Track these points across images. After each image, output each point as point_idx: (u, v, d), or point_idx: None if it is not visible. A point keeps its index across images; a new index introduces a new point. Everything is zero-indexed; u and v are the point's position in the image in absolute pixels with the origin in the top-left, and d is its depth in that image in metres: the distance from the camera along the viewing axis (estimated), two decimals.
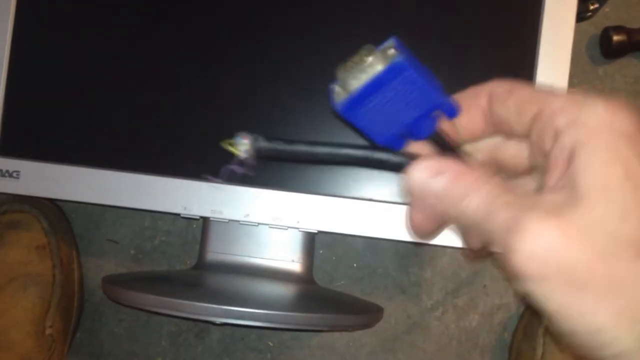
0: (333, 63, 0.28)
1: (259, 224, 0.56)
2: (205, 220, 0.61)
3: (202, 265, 0.60)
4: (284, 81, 0.57)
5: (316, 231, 0.57)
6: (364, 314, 0.58)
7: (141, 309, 0.53)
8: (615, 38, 0.73)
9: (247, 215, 0.56)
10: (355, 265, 0.72)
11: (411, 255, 0.72)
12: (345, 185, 0.56)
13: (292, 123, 0.56)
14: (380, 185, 0.56)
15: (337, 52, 0.55)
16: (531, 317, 0.69)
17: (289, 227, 0.56)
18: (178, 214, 0.57)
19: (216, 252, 0.60)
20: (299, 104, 0.56)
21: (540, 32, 0.56)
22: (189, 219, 0.69)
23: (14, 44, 0.58)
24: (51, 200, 0.71)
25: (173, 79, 0.58)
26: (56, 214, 0.70)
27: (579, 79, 0.75)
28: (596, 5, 0.68)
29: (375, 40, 0.29)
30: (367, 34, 0.56)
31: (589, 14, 0.69)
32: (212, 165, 0.56)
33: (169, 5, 0.58)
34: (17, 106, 0.58)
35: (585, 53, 0.75)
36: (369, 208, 0.56)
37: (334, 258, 0.72)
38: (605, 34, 0.74)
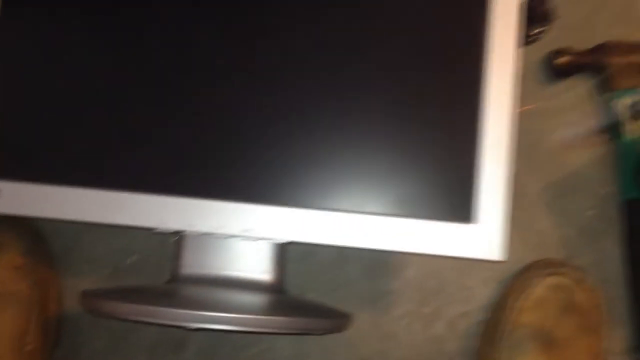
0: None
1: (231, 235, 0.60)
2: (179, 236, 0.64)
3: (177, 279, 0.63)
4: (252, 101, 0.61)
5: (286, 241, 0.60)
6: (332, 318, 0.61)
7: (118, 318, 0.56)
8: (562, 60, 0.79)
9: (220, 227, 0.60)
10: (325, 277, 0.76)
11: (379, 267, 0.76)
12: (314, 197, 0.60)
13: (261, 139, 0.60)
14: (347, 196, 0.60)
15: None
16: (494, 323, 0.73)
17: (259, 238, 0.60)
18: (153, 229, 0.61)
19: (190, 266, 0.63)
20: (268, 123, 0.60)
21: (486, 57, 0.61)
22: (164, 235, 0.72)
23: None
24: (28, 222, 0.74)
25: (145, 98, 0.61)
26: (34, 235, 0.73)
27: (529, 100, 0.80)
28: (541, 29, 0.73)
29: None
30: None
31: (535, 37, 0.75)
32: (184, 180, 0.60)
33: (138, 26, 0.62)
34: None
35: (533, 75, 0.80)
36: (337, 218, 0.59)
37: (304, 271, 0.76)
38: (552, 56, 0.79)
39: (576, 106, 0.80)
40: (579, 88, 0.80)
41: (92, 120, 0.62)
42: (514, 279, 0.74)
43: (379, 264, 0.76)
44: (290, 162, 0.60)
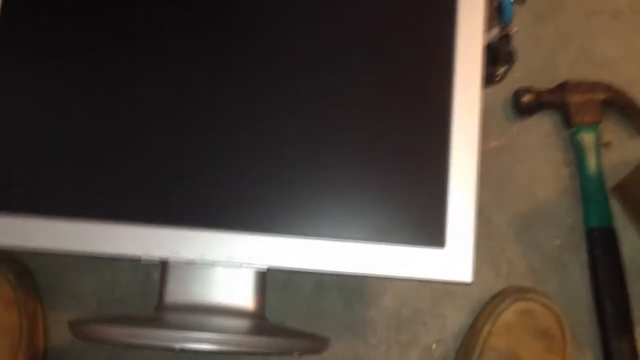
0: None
1: (214, 263, 0.63)
2: (164, 265, 0.67)
3: (162, 307, 0.66)
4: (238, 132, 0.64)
5: (267, 268, 0.63)
6: (310, 340, 0.64)
7: (106, 341, 0.58)
8: (525, 98, 0.84)
9: (203, 255, 0.62)
10: (304, 307, 0.78)
11: (356, 295, 0.79)
12: (293, 225, 0.63)
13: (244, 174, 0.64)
14: (324, 224, 0.63)
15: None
16: (465, 348, 0.75)
17: (241, 265, 0.62)
18: (138, 258, 0.63)
19: (174, 293, 0.65)
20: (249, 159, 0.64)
21: (453, 94, 0.65)
22: (148, 267, 0.74)
23: None
24: (16, 258, 0.76)
25: (128, 131, 0.64)
26: (22, 270, 0.76)
27: (495, 136, 0.84)
28: (505, 69, 0.78)
29: None
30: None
31: (500, 77, 0.80)
32: (167, 210, 0.63)
33: (121, 63, 0.65)
34: None
35: (500, 112, 0.85)
36: (315, 245, 0.62)
37: (284, 301, 0.78)
38: (517, 95, 0.84)
39: (541, 141, 0.84)
40: (543, 125, 0.85)
41: (76, 154, 0.64)
42: (484, 305, 0.77)
43: (356, 293, 0.79)
44: (269, 192, 0.64)
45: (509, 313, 0.73)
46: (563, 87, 0.84)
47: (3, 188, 0.64)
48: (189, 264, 0.65)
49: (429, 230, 0.62)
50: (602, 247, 0.79)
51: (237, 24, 0.66)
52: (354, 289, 0.79)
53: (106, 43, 0.65)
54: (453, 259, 0.62)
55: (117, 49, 0.65)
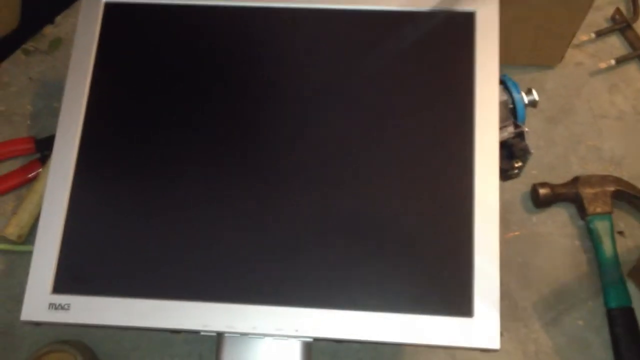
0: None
1: (264, 335, 0.70)
2: (219, 338, 0.74)
3: None
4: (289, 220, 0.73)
5: (311, 339, 0.70)
6: None
7: None
8: (542, 191, 0.92)
9: (254, 327, 0.70)
10: None
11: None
12: (336, 299, 0.70)
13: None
14: (364, 298, 0.70)
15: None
16: None
17: (289, 335, 0.69)
18: (198, 332, 0.71)
19: None
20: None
21: (474, 198, 0.73)
22: (201, 352, 0.81)
23: (69, 210, 0.75)
24: (84, 344, 0.84)
25: (189, 227, 0.74)
26: (90, 354, 0.83)
27: (517, 226, 0.92)
28: (520, 164, 0.87)
29: None
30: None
31: (516, 171, 0.88)
32: (223, 289, 0.70)
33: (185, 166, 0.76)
34: (68, 254, 0.74)
35: (520, 205, 0.93)
36: (356, 316, 0.69)
37: None
38: (534, 189, 0.93)
39: (559, 230, 0.92)
40: (560, 215, 0.93)
41: (145, 244, 0.74)
42: None
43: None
44: (313, 270, 0.71)
45: None
46: (576, 181, 0.92)
47: (83, 274, 0.73)
48: (242, 337, 0.72)
49: (459, 301, 0.69)
50: (622, 326, 0.84)
51: (280, 115, 0.76)
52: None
53: (172, 150, 0.76)
54: (481, 328, 0.68)
55: (181, 153, 0.76)
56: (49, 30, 1.10)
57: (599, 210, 0.90)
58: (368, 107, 0.77)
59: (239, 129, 0.77)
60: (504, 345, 0.85)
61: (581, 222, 0.92)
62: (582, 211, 0.91)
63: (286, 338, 0.72)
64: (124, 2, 0.83)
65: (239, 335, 0.71)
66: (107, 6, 0.82)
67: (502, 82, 0.84)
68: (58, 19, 1.11)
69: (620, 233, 0.91)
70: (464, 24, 0.79)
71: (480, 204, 0.73)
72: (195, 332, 0.71)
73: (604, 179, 0.92)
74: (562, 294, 0.88)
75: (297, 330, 0.69)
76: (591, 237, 0.90)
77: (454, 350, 0.86)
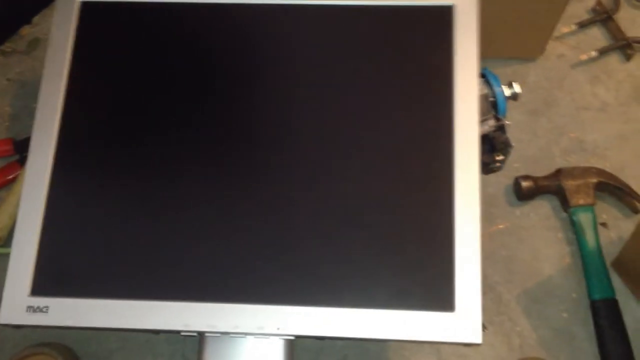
0: None
1: (245, 334, 0.69)
2: (201, 338, 0.73)
3: None
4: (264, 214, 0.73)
5: (293, 337, 0.69)
6: None
7: None
8: (525, 184, 0.92)
9: (236, 326, 0.69)
10: None
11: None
12: (317, 295, 0.70)
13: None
14: (347, 295, 0.70)
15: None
16: None
17: (270, 333, 0.69)
18: (179, 332, 0.70)
19: None
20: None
21: (454, 191, 0.72)
22: (184, 352, 0.80)
23: (46, 211, 0.74)
24: (64, 345, 0.83)
25: (170, 227, 0.73)
26: (71, 356, 0.82)
27: (501, 220, 0.92)
28: (501, 157, 0.86)
29: None
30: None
31: (498, 164, 0.88)
32: (203, 288, 0.70)
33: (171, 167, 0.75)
34: (46, 256, 0.73)
35: (503, 198, 0.93)
36: (339, 313, 0.69)
37: None
38: (517, 182, 0.93)
39: (542, 223, 0.92)
40: (543, 208, 0.93)
41: (124, 245, 0.73)
42: None
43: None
44: (295, 268, 0.71)
45: None
46: (558, 173, 0.92)
47: (61, 276, 0.72)
48: (224, 336, 0.71)
49: (440, 296, 0.69)
50: (606, 317, 0.84)
51: (267, 121, 0.76)
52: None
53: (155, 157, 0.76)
54: (463, 322, 0.68)
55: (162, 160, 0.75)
56: (26, 31, 1.09)
57: (581, 202, 0.90)
58: (347, 103, 0.76)
59: (219, 125, 0.76)
60: (489, 338, 0.85)
61: (564, 215, 0.92)
62: (564, 203, 0.91)
63: (268, 336, 0.71)
64: (100, 1, 0.82)
65: (220, 334, 0.71)
66: (83, 5, 0.82)
67: (483, 76, 0.84)
68: (36, 19, 1.10)
69: (603, 225, 0.91)
70: (443, 17, 0.78)
71: (461, 198, 0.72)
72: (176, 332, 0.70)
73: (586, 171, 0.92)
74: (546, 286, 0.88)
75: (278, 329, 0.69)
76: (574, 229, 0.90)
77: (439, 344, 0.85)
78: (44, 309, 0.71)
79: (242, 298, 0.70)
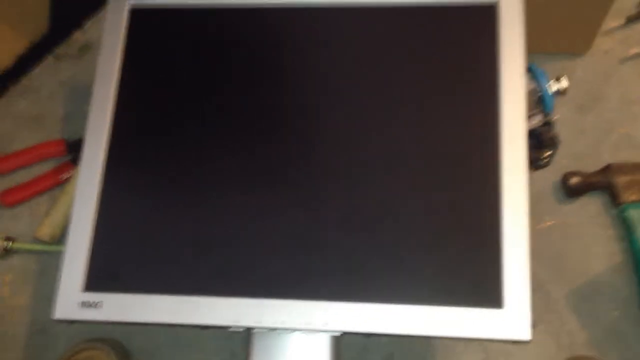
0: None
1: (293, 329, 0.70)
2: (249, 334, 0.74)
3: None
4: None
5: (340, 333, 0.70)
6: None
7: None
8: (573, 180, 0.91)
9: (284, 322, 0.70)
10: None
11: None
12: (365, 292, 0.70)
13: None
14: (395, 291, 0.70)
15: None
16: None
17: (318, 329, 0.69)
18: (228, 327, 0.71)
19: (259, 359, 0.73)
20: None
21: (502, 188, 0.72)
22: (232, 348, 0.81)
23: (98, 209, 0.76)
24: (116, 340, 0.85)
25: (221, 226, 0.74)
26: (122, 350, 0.84)
27: (549, 217, 0.91)
28: (549, 153, 0.86)
29: None
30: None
31: (546, 160, 0.87)
32: (252, 284, 0.71)
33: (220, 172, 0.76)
34: (98, 252, 0.75)
35: (551, 195, 0.92)
36: (387, 310, 0.69)
37: None
38: (565, 178, 0.91)
39: (591, 220, 0.90)
40: (592, 205, 0.91)
41: (175, 241, 0.74)
42: None
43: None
44: (343, 263, 0.71)
45: None
46: (608, 169, 0.91)
47: (114, 272, 0.74)
48: (271, 332, 0.72)
49: (489, 292, 0.69)
50: None
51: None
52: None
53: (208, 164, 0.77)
54: (512, 319, 0.67)
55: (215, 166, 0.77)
56: (78, 36, 1.12)
57: (633, 198, 0.88)
58: (395, 101, 0.76)
59: (268, 127, 0.77)
60: (537, 337, 0.84)
61: (614, 211, 0.90)
62: (615, 200, 0.90)
63: (315, 332, 0.72)
64: (149, 7, 0.84)
65: (268, 330, 0.71)
66: (133, 10, 0.84)
67: (530, 71, 0.83)
68: (87, 24, 1.12)
69: None
70: (488, 14, 0.78)
71: (509, 194, 0.72)
72: (225, 328, 0.72)
73: (637, 167, 0.90)
74: (597, 284, 0.87)
75: (326, 324, 0.69)
76: (625, 226, 0.89)
77: (486, 342, 0.85)
78: (98, 304, 0.73)
79: (289, 294, 0.71)
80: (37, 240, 0.95)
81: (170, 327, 0.88)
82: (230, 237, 0.74)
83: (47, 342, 0.90)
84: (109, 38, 0.83)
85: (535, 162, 0.86)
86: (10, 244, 0.95)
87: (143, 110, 0.80)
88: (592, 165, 0.92)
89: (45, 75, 1.09)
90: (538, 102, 0.83)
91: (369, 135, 0.75)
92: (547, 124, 0.83)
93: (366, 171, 0.74)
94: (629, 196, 0.89)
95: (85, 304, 0.73)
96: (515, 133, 0.74)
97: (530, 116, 0.81)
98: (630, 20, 1.03)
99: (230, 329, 0.71)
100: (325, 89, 0.78)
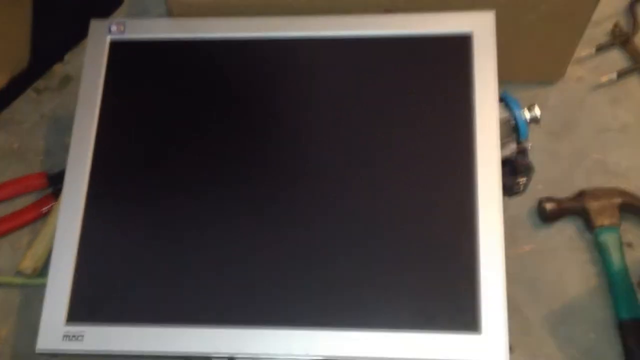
0: None
1: (274, 358, 0.71)
2: None
3: None
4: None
5: (322, 359, 0.71)
6: None
7: None
8: (548, 206, 0.93)
9: (265, 350, 0.71)
10: None
11: None
12: (344, 319, 0.71)
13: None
14: (374, 317, 0.71)
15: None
16: None
17: (299, 356, 0.70)
18: (210, 356, 0.72)
19: None
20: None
21: (478, 214, 0.73)
22: None
23: (80, 242, 0.77)
24: None
25: (199, 260, 0.75)
26: None
27: (525, 242, 0.93)
28: (524, 180, 0.88)
29: None
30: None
31: (521, 187, 0.89)
32: (233, 314, 0.71)
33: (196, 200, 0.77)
34: (80, 284, 0.75)
35: (527, 220, 0.94)
36: (366, 336, 0.70)
37: None
38: (541, 204, 0.93)
39: (567, 244, 0.92)
40: (567, 229, 0.93)
41: (155, 272, 0.75)
42: None
43: None
44: (323, 291, 0.73)
45: None
46: (582, 195, 0.93)
47: (96, 304, 0.75)
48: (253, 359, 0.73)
49: (466, 317, 0.70)
50: (634, 337, 0.84)
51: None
52: None
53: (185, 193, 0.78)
54: (489, 343, 0.69)
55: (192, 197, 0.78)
56: (58, 68, 1.13)
57: (606, 222, 0.90)
58: (371, 132, 0.78)
59: (244, 157, 0.79)
60: None
61: (589, 236, 0.92)
62: (589, 224, 0.92)
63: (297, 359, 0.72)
64: (129, 40, 0.85)
65: (250, 359, 0.72)
66: (113, 44, 0.85)
67: (503, 100, 0.85)
68: (67, 56, 1.14)
69: (629, 245, 0.91)
70: (462, 45, 0.80)
71: (485, 220, 0.74)
72: (207, 357, 0.72)
73: (610, 192, 0.92)
74: (573, 307, 0.88)
75: (307, 352, 0.70)
76: (599, 250, 0.91)
77: None
78: (80, 337, 0.73)
79: (270, 322, 0.72)
80: (20, 274, 0.95)
81: (153, 358, 0.88)
82: (210, 268, 0.75)
83: None
84: (90, 71, 0.84)
85: (511, 189, 0.88)
86: None
87: (124, 142, 0.81)
88: (566, 190, 0.94)
89: (26, 108, 1.10)
90: (512, 130, 0.85)
91: (345, 164, 0.77)
92: (522, 151, 0.85)
93: (343, 199, 0.76)
94: (602, 221, 0.91)
95: (68, 336, 0.73)
96: (490, 160, 0.76)
97: (504, 144, 0.83)
98: (601, 48, 1.06)
99: (212, 358, 0.72)
100: (301, 121, 0.80)
